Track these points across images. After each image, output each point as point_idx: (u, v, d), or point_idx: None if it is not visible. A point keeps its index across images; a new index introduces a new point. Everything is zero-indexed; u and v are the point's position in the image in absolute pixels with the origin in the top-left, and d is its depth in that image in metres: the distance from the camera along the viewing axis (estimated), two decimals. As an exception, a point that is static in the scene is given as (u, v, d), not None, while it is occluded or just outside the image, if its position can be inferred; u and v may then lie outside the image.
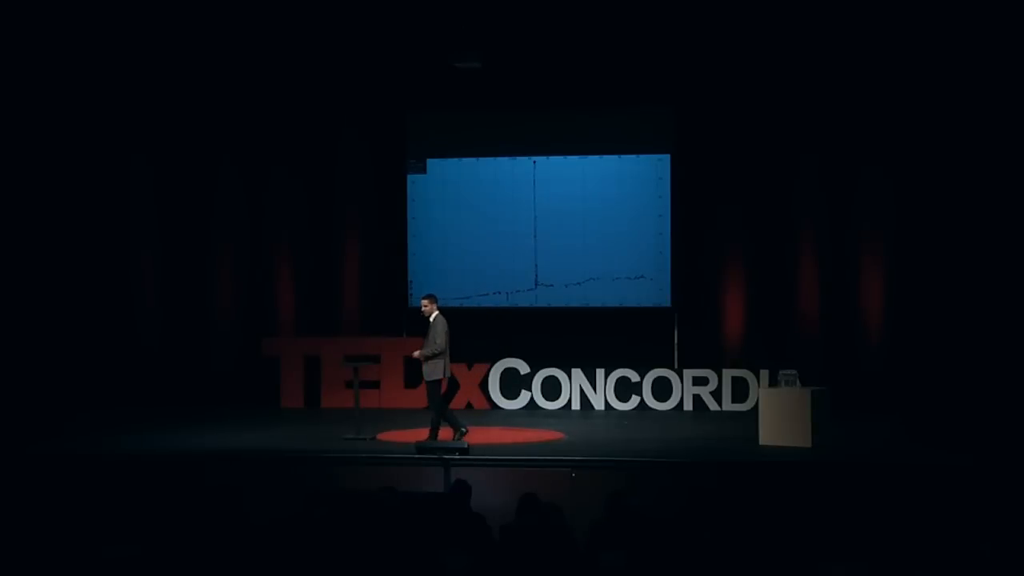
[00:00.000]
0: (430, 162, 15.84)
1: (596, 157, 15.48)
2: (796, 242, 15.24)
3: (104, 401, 14.98)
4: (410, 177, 15.86)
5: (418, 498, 8.17)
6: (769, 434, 11.45)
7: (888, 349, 14.92)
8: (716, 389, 14.86)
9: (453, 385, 13.68)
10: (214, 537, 6.81)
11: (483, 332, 15.42)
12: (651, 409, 14.88)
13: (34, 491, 9.76)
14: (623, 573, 6.42)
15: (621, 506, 7.32)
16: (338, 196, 16.07)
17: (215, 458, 10.78)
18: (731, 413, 14.57)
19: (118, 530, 7.24)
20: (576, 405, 15.09)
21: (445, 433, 11.64)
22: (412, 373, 15.28)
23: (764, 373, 14.22)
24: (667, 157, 15.36)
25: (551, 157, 15.56)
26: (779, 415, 11.41)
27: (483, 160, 15.72)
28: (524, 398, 15.17)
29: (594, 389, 15.08)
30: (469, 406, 15.17)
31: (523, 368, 15.21)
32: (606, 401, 15.03)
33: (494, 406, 15.16)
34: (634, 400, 14.97)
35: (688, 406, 14.89)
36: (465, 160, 15.76)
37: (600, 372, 15.05)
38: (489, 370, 15.24)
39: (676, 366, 15.11)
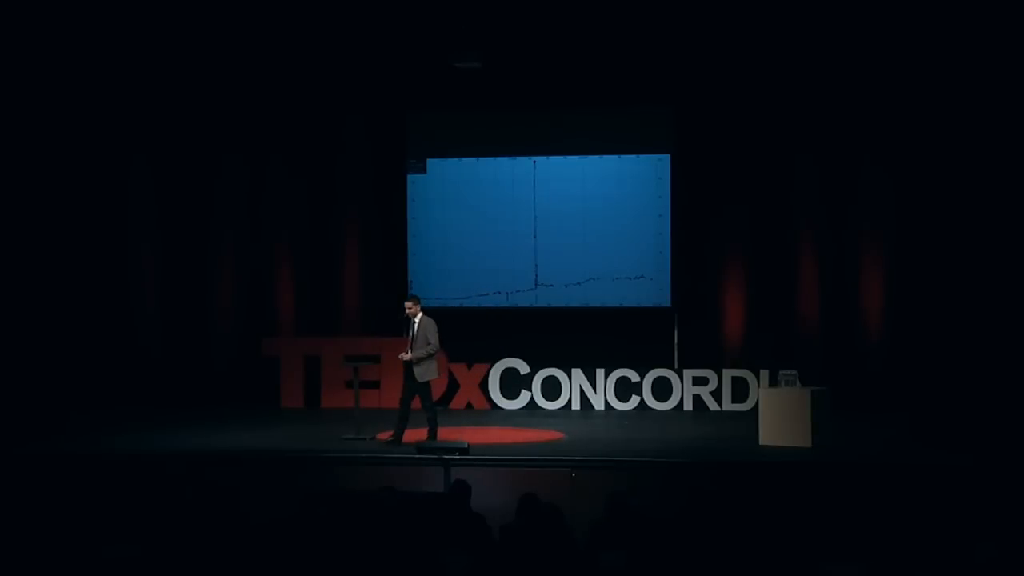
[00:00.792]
0: (430, 162, 15.84)
1: (596, 157, 15.48)
2: (796, 242, 15.24)
3: (104, 401, 14.97)
4: (410, 177, 15.86)
5: (418, 498, 8.16)
6: (769, 434, 11.45)
7: (888, 349, 14.92)
8: (716, 389, 14.86)
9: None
10: (214, 537, 6.81)
11: (483, 332, 15.44)
12: (651, 409, 14.88)
13: (34, 491, 9.76)
14: (623, 573, 6.42)
15: (621, 506, 7.32)
16: (338, 196, 16.07)
17: (215, 458, 10.77)
18: (731, 413, 14.57)
19: (118, 530, 7.24)
20: (576, 405, 15.08)
21: (444, 433, 11.65)
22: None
23: (764, 373, 14.22)
24: (667, 157, 15.36)
25: (551, 157, 15.56)
26: (779, 415, 11.41)
27: (483, 160, 15.71)
28: (524, 398, 15.16)
29: (594, 389, 15.08)
30: (469, 406, 15.18)
31: (523, 368, 15.20)
32: (606, 401, 15.03)
33: (494, 406, 15.16)
34: (634, 400, 14.97)
35: (688, 406, 14.89)
36: (465, 160, 15.75)
37: (600, 372, 15.05)
38: (489, 370, 15.23)
39: (676, 366, 15.11)
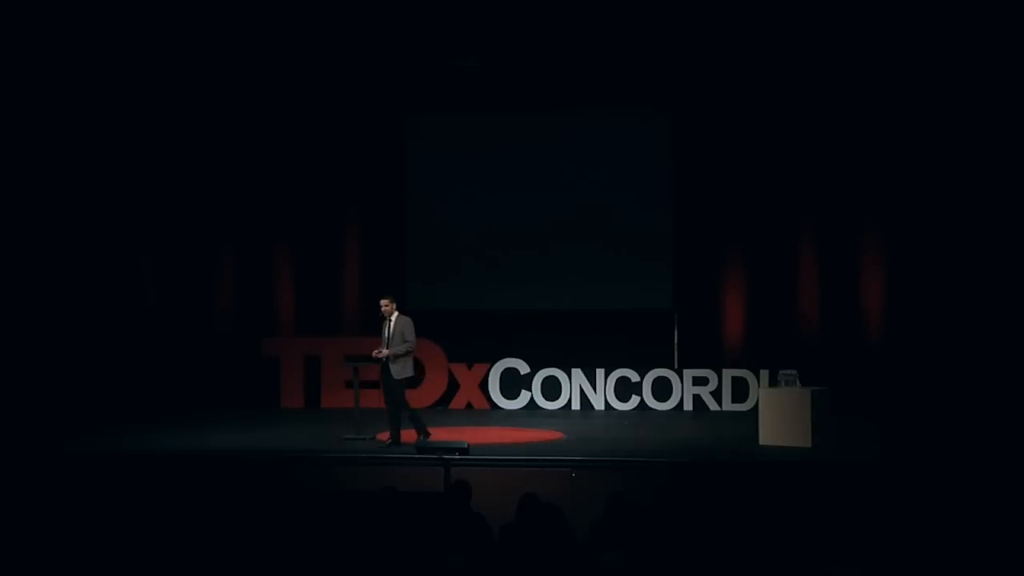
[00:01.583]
0: (430, 162, 15.83)
1: (597, 157, 15.46)
2: (796, 242, 15.24)
3: (104, 401, 14.98)
4: (410, 177, 15.85)
5: (418, 498, 8.15)
6: (769, 434, 11.44)
7: (888, 349, 14.93)
8: (716, 389, 14.86)
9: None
10: (214, 537, 6.81)
11: (483, 332, 15.44)
12: (651, 409, 14.88)
13: (34, 491, 9.76)
14: (623, 573, 6.41)
15: (621, 506, 7.32)
16: (338, 196, 16.07)
17: (215, 458, 10.77)
18: (731, 413, 14.58)
19: (118, 530, 7.24)
20: (576, 405, 15.09)
21: (443, 433, 11.64)
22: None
23: (764, 373, 14.22)
24: (667, 157, 15.35)
25: (552, 157, 15.54)
26: (779, 415, 11.40)
27: (483, 160, 15.70)
28: (524, 398, 15.17)
29: (594, 389, 15.08)
30: (469, 406, 15.19)
31: (523, 368, 15.21)
32: (606, 401, 15.03)
33: (494, 406, 15.17)
34: (634, 400, 14.98)
35: (688, 406, 14.89)
36: (465, 160, 15.74)
37: (600, 372, 15.05)
38: (489, 370, 15.24)
39: (676, 366, 15.11)
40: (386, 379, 11.53)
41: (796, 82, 14.96)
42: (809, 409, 11.21)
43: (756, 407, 12.26)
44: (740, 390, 14.77)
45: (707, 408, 14.84)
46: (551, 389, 15.15)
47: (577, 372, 15.10)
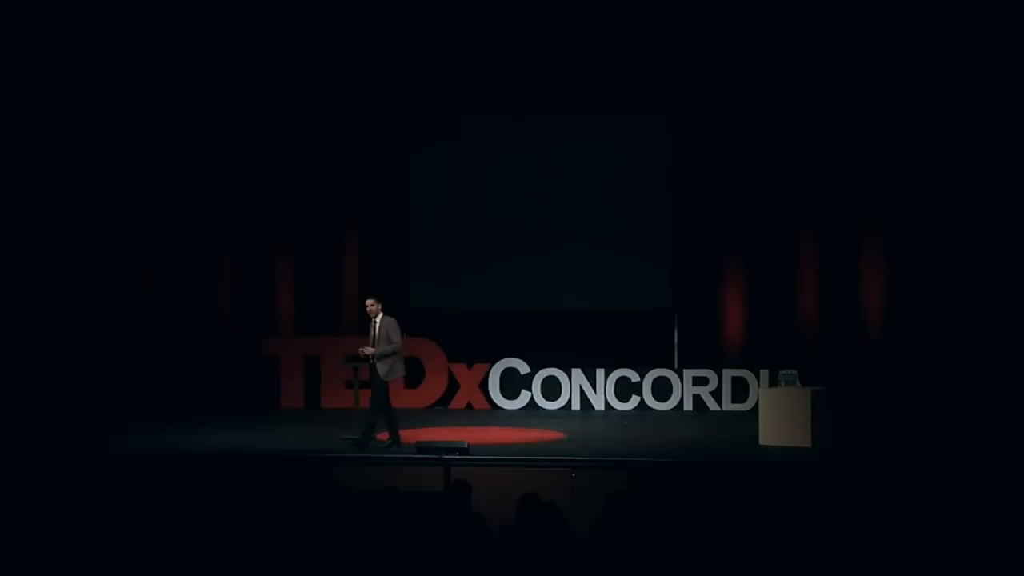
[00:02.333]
0: (430, 162, 15.83)
1: (597, 157, 15.47)
2: (796, 242, 15.25)
3: (104, 401, 14.98)
4: (410, 177, 15.86)
5: (418, 498, 8.15)
6: (769, 434, 11.44)
7: (888, 349, 14.93)
8: (716, 389, 14.87)
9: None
10: (214, 537, 6.81)
11: (483, 332, 15.45)
12: (651, 409, 14.89)
13: (34, 491, 9.76)
14: (623, 573, 6.41)
15: (621, 506, 7.32)
16: (338, 196, 16.08)
17: (215, 458, 10.77)
18: (731, 413, 14.58)
19: (118, 530, 7.23)
20: (576, 405, 15.09)
21: (444, 433, 11.63)
22: (412, 373, 15.27)
23: (764, 373, 14.22)
24: (667, 157, 15.35)
25: (552, 157, 15.54)
26: (779, 415, 11.40)
27: (483, 160, 15.70)
28: (524, 398, 15.17)
29: (594, 389, 15.08)
30: (469, 406, 15.19)
31: (523, 368, 15.21)
32: (606, 401, 15.03)
33: (494, 406, 15.17)
34: (634, 400, 14.98)
35: (688, 406, 14.90)
36: (465, 160, 15.74)
37: (600, 372, 15.06)
38: (489, 370, 15.24)
39: (676, 366, 15.11)
40: (374, 379, 11.47)
41: (796, 82, 14.97)
42: (809, 409, 11.21)
43: (756, 407, 12.26)
44: (740, 390, 14.77)
45: (707, 408, 14.84)
46: (551, 389, 15.15)
47: (577, 372, 15.10)
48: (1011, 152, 14.38)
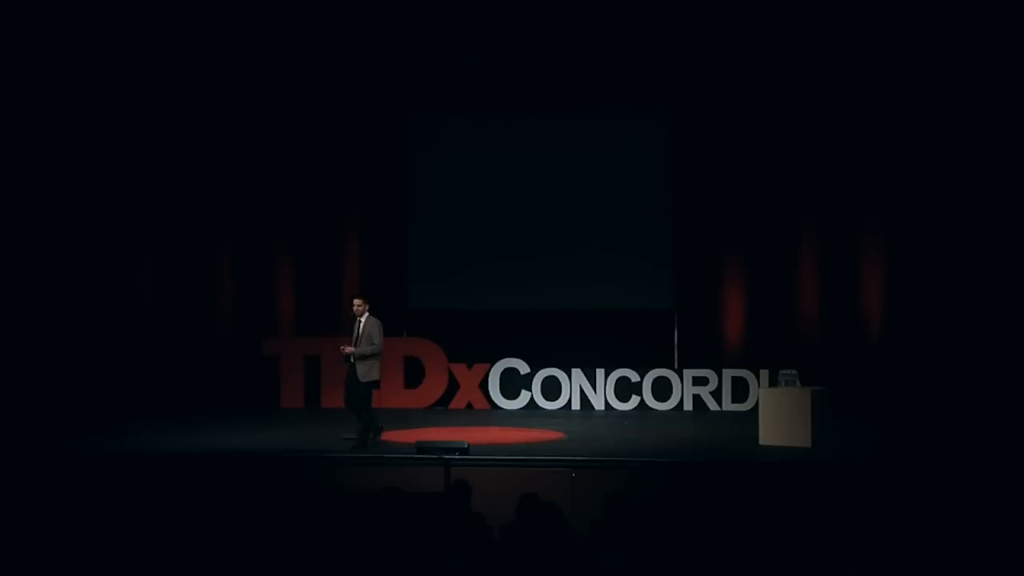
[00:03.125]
0: (430, 162, 15.82)
1: (597, 157, 15.46)
2: (796, 242, 15.24)
3: (104, 401, 14.98)
4: (410, 177, 15.86)
5: (418, 498, 8.15)
6: (769, 434, 11.44)
7: (889, 349, 14.92)
8: (716, 389, 14.86)
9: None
10: (214, 537, 6.81)
11: (483, 332, 15.44)
12: (651, 409, 14.88)
13: (34, 491, 9.76)
14: (623, 573, 6.41)
15: (621, 506, 7.32)
16: (338, 196, 16.07)
17: (215, 458, 10.77)
18: (731, 413, 14.58)
19: (118, 530, 7.23)
20: (576, 405, 15.09)
21: (444, 433, 11.62)
22: (412, 373, 15.30)
23: (764, 373, 14.22)
24: (667, 157, 15.35)
25: (552, 157, 15.54)
26: (779, 415, 11.40)
27: (483, 160, 15.70)
28: (524, 398, 15.17)
29: (594, 389, 15.08)
30: (469, 406, 15.19)
31: (523, 368, 15.21)
32: (606, 401, 15.03)
33: (494, 406, 15.17)
34: (634, 400, 14.98)
35: (688, 406, 14.89)
36: (465, 160, 15.74)
37: (600, 372, 15.05)
38: (489, 370, 15.24)
39: (676, 366, 15.11)
40: (351, 381, 11.42)
41: (797, 82, 14.96)
42: (809, 409, 11.20)
43: (756, 407, 12.26)
44: (740, 390, 14.77)
45: (707, 408, 14.84)
46: (551, 389, 15.15)
47: (577, 372, 15.10)
48: (1011, 152, 14.37)
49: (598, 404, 15.04)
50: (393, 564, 6.47)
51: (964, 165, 14.54)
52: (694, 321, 15.34)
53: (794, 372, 11.66)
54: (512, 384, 15.22)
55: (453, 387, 15.28)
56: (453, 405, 15.20)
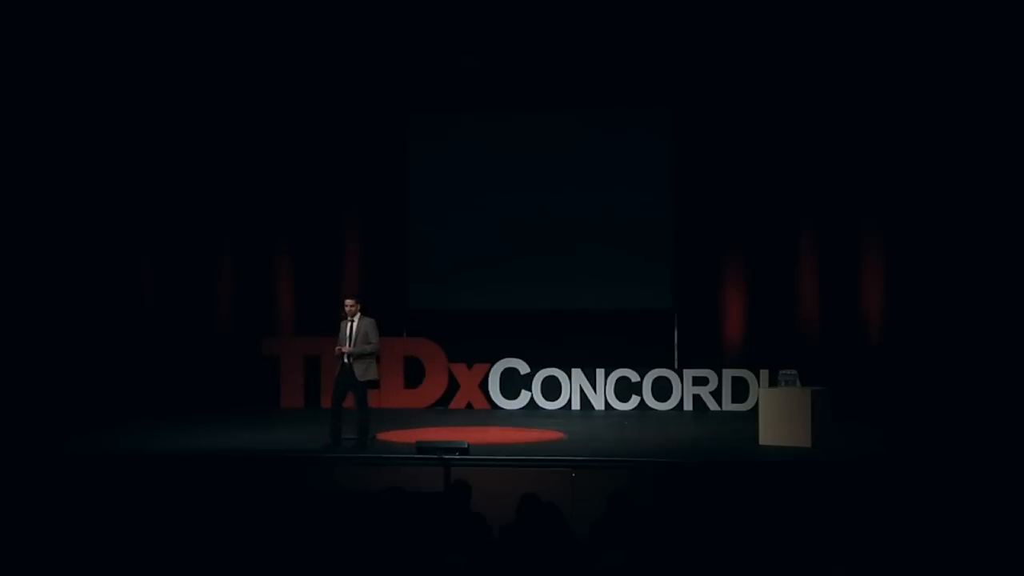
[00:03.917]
0: (430, 162, 15.82)
1: (597, 157, 15.46)
2: (796, 242, 15.24)
3: (104, 401, 14.98)
4: (410, 177, 15.86)
5: (418, 498, 8.15)
6: (769, 434, 11.44)
7: (888, 349, 14.93)
8: (716, 389, 14.86)
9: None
10: (214, 537, 6.81)
11: (483, 332, 15.44)
12: (651, 409, 14.88)
13: (34, 491, 9.75)
14: (623, 573, 6.41)
15: (621, 506, 7.31)
16: (338, 196, 16.07)
17: (215, 458, 10.77)
18: (731, 413, 14.58)
19: (118, 530, 7.23)
20: (576, 405, 15.09)
21: (443, 433, 11.62)
22: (412, 373, 15.30)
23: (764, 373, 14.22)
24: (667, 157, 15.35)
25: (552, 157, 15.53)
26: (779, 415, 11.40)
27: (483, 160, 15.70)
28: (524, 398, 15.17)
29: (594, 389, 15.08)
30: (469, 406, 15.19)
31: (523, 368, 15.21)
32: (606, 401, 15.03)
33: (494, 406, 15.17)
34: (634, 400, 14.98)
35: (688, 406, 14.90)
36: (465, 160, 15.74)
37: (600, 372, 15.05)
38: (489, 370, 15.24)
39: (676, 366, 15.11)
40: (345, 379, 11.39)
41: (797, 82, 14.97)
42: (809, 409, 11.20)
43: (756, 407, 12.26)
44: (740, 390, 14.77)
45: (707, 408, 14.84)
46: (551, 389, 15.14)
47: (577, 372, 15.10)
48: (1011, 152, 14.38)
49: (598, 404, 15.04)
50: (393, 564, 6.47)
51: (964, 165, 14.55)
52: (694, 321, 15.35)
53: (794, 372, 11.66)
54: (512, 384, 15.22)
55: (453, 387, 15.28)
56: (453, 405, 15.20)
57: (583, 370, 15.08)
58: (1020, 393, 13.66)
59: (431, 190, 15.78)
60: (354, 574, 6.45)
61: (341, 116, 15.95)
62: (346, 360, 11.35)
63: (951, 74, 14.47)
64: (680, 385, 14.94)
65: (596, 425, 13.69)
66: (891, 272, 14.98)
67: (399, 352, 15.17)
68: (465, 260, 15.64)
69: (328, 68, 15.50)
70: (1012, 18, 13.84)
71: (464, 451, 10.25)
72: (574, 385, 15.11)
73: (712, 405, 14.85)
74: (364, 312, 11.56)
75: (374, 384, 11.53)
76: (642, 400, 14.97)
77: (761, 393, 12.19)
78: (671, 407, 14.90)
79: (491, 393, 15.24)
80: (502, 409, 15.09)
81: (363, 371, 11.37)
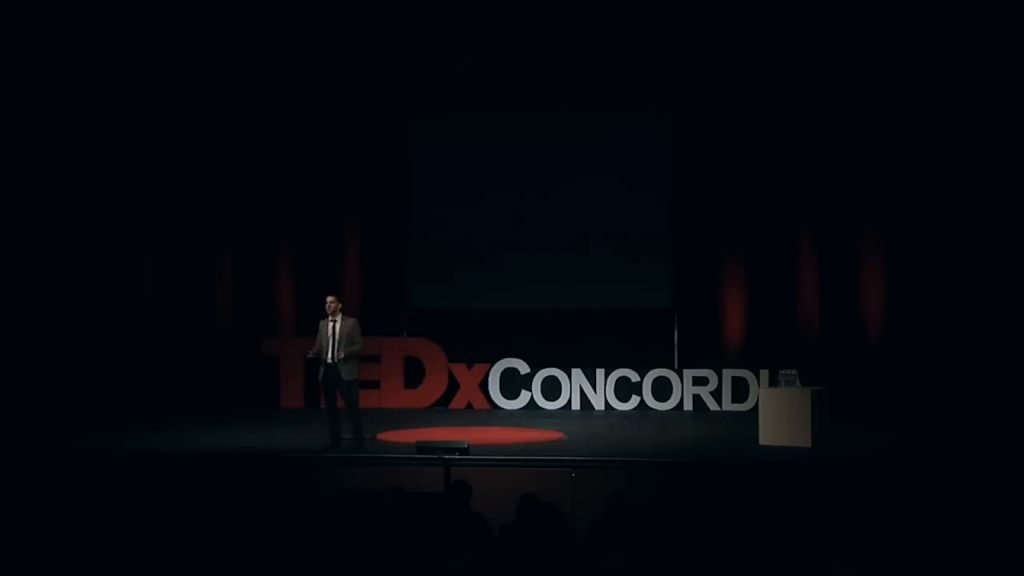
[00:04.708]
0: (430, 162, 15.82)
1: (597, 157, 15.46)
2: (796, 242, 15.24)
3: (104, 401, 14.97)
4: (410, 177, 15.86)
5: (418, 498, 8.15)
6: (769, 434, 11.44)
7: (888, 349, 14.93)
8: (716, 389, 14.86)
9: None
10: (214, 537, 6.81)
11: (483, 332, 15.44)
12: (651, 409, 14.88)
13: (34, 491, 9.76)
14: (623, 573, 6.41)
15: (621, 506, 7.32)
16: (338, 196, 16.07)
17: (215, 458, 10.77)
18: (731, 413, 14.58)
19: (118, 530, 7.24)
20: (576, 405, 15.09)
21: (443, 433, 11.62)
22: (412, 373, 15.30)
23: (764, 373, 14.22)
24: (667, 157, 15.35)
25: (552, 157, 15.53)
26: (779, 415, 11.40)
27: (483, 160, 15.70)
28: (524, 398, 15.17)
29: (594, 389, 15.08)
30: (469, 406, 15.19)
31: (523, 368, 15.21)
32: (606, 401, 15.03)
33: (494, 406, 15.16)
34: (634, 400, 14.98)
35: (688, 406, 14.89)
36: (465, 160, 15.74)
37: (600, 372, 15.05)
38: (489, 370, 15.24)
39: (676, 366, 15.11)
40: (333, 381, 11.36)
41: (797, 82, 14.96)
42: (809, 409, 11.20)
43: (756, 407, 12.26)
44: (740, 390, 14.77)
45: (707, 408, 14.84)
46: (551, 389, 15.14)
47: (577, 372, 15.10)
48: (1011, 153, 14.37)
49: (598, 404, 15.04)
50: (393, 564, 6.48)
51: (964, 166, 14.54)
52: (694, 321, 15.35)
53: (794, 372, 11.66)
54: (512, 384, 15.22)
55: (453, 387, 15.28)
56: (453, 405, 15.20)
57: (583, 370, 15.08)
58: (1020, 393, 13.65)
59: (431, 190, 15.78)
60: (354, 574, 6.45)
61: (341, 116, 15.94)
62: (330, 361, 11.30)
63: (951, 74, 14.46)
64: (680, 385, 14.94)
65: (596, 425, 13.69)
66: (891, 272, 14.98)
67: (399, 352, 15.17)
68: (465, 260, 15.63)
69: (328, 68, 15.49)
70: (1012, 18, 13.83)
71: (464, 451, 10.24)
72: (574, 385, 15.11)
73: (712, 405, 14.85)
74: (345, 312, 11.52)
75: (357, 384, 11.48)
76: (642, 400, 14.97)
77: (761, 393, 12.18)
78: (671, 407, 14.90)
79: (491, 393, 15.24)
80: (502, 409, 15.09)
81: (348, 371, 11.36)
